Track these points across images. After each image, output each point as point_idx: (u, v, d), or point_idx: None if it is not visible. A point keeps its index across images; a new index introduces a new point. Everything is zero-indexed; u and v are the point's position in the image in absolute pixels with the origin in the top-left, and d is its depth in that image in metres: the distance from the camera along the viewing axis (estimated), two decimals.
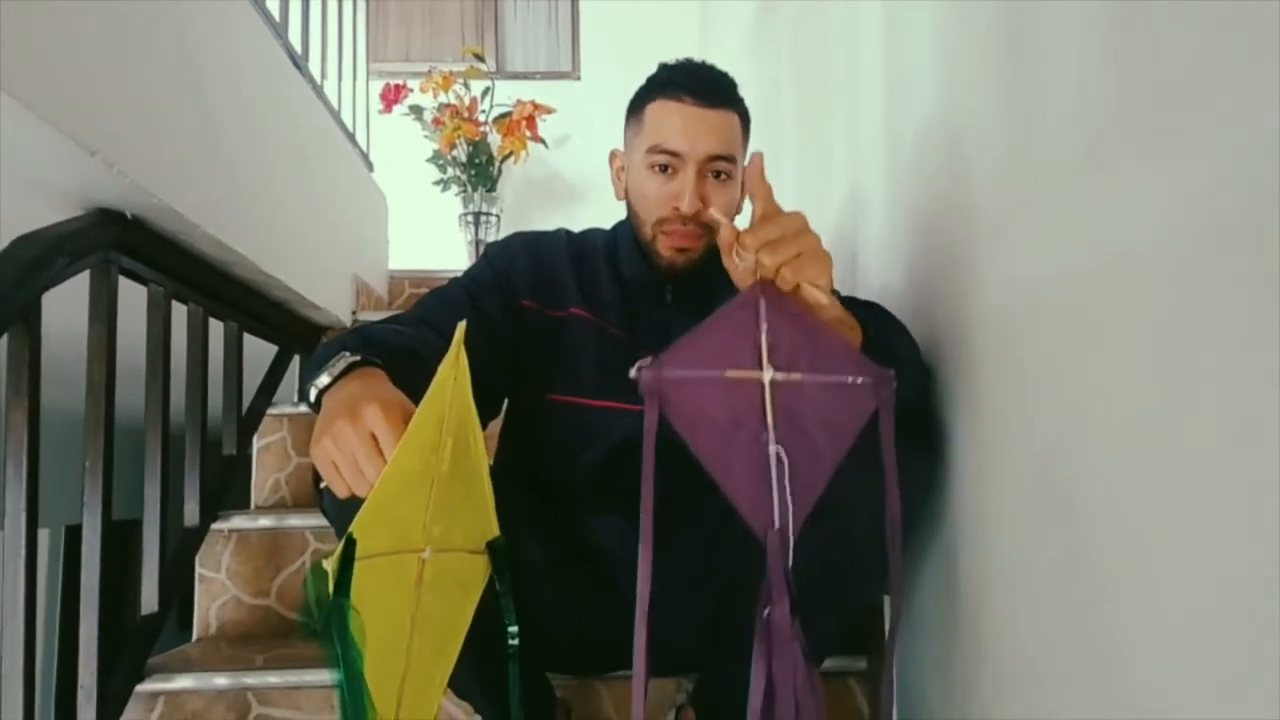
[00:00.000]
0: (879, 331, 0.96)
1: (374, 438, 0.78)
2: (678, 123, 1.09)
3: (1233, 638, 0.54)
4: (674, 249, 1.13)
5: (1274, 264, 0.50)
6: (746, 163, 1.17)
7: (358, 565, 0.74)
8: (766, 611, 0.78)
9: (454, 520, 0.83)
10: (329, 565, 0.74)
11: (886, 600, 1.24)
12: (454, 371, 0.79)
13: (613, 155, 1.21)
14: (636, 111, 1.15)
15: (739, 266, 0.87)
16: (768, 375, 0.79)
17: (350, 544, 0.74)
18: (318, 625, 0.73)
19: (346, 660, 0.73)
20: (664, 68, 1.15)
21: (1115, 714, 0.67)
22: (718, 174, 1.10)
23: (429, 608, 0.83)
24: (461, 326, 0.82)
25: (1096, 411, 0.70)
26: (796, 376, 0.80)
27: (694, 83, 1.10)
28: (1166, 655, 0.61)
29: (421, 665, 0.83)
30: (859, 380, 0.81)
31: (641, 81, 1.16)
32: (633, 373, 0.78)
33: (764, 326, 0.80)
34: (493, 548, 0.88)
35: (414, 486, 0.79)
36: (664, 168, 1.10)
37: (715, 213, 0.91)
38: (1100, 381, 0.69)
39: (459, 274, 1.20)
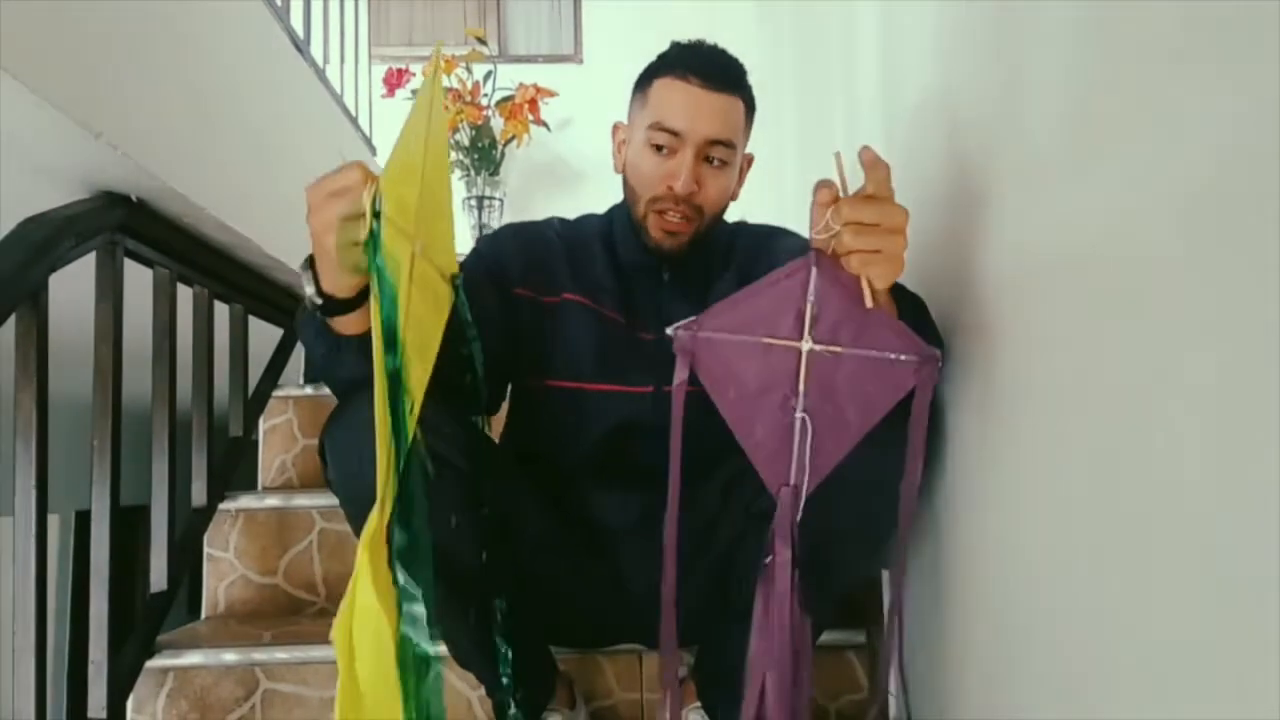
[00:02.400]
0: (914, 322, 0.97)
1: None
2: (681, 102, 1.09)
3: (1232, 627, 0.55)
4: (664, 231, 1.13)
5: (1266, 228, 0.51)
6: (748, 150, 1.18)
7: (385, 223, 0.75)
8: (769, 559, 0.80)
9: (432, 236, 0.84)
10: (366, 198, 0.75)
11: (886, 575, 1.25)
12: (431, 93, 0.81)
13: (615, 127, 1.21)
14: (643, 87, 1.15)
15: (816, 236, 0.83)
16: (806, 345, 0.81)
17: (378, 199, 0.75)
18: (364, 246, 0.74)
19: (383, 285, 0.74)
20: (675, 46, 1.14)
21: (1102, 698, 0.69)
22: (715, 160, 1.10)
23: (415, 308, 0.83)
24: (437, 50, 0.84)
25: (1094, 382, 0.71)
26: (837, 349, 0.81)
27: (702, 65, 1.10)
28: (1161, 640, 0.62)
29: (407, 365, 0.83)
30: (902, 357, 0.82)
31: (646, 62, 1.16)
32: (669, 330, 0.81)
33: (811, 298, 0.81)
34: (455, 284, 0.89)
35: (408, 179, 0.80)
36: (661, 147, 1.10)
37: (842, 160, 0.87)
38: (1098, 353, 0.70)
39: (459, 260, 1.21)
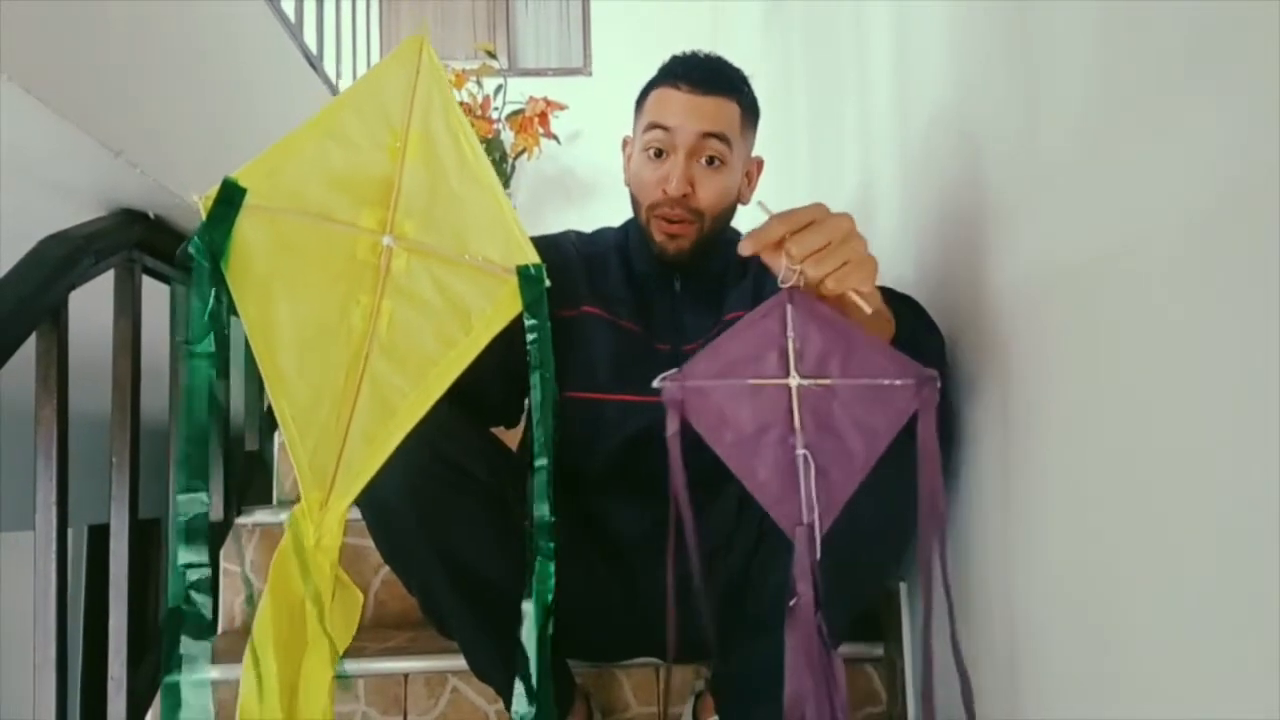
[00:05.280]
0: (912, 331, 0.96)
1: None
2: (672, 105, 1.11)
3: (1249, 630, 0.55)
4: (665, 235, 1.15)
5: (1274, 239, 0.51)
6: (751, 154, 1.19)
7: (254, 214, 0.73)
8: (793, 602, 0.80)
9: (444, 225, 0.80)
10: (199, 200, 0.72)
11: (903, 587, 1.25)
12: (412, 62, 0.80)
13: (625, 141, 1.23)
14: (641, 101, 1.18)
15: (779, 276, 0.84)
16: (794, 382, 0.80)
17: (232, 188, 0.73)
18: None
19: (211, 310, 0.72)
20: (670, 58, 1.17)
21: (1124, 703, 0.68)
22: (711, 160, 1.12)
23: (400, 317, 0.78)
24: (424, 28, 0.84)
25: (1109, 391, 0.71)
26: (826, 381, 0.81)
27: (692, 71, 1.13)
28: (1181, 648, 0.62)
29: (379, 391, 0.78)
30: (896, 382, 0.81)
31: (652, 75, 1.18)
32: (655, 383, 0.80)
33: (791, 334, 0.81)
34: (526, 276, 0.81)
35: (350, 157, 0.77)
36: (658, 152, 1.12)
37: (764, 204, 0.87)
38: (1112, 362, 0.70)
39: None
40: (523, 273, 0.81)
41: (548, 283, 0.81)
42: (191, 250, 0.73)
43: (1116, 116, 0.68)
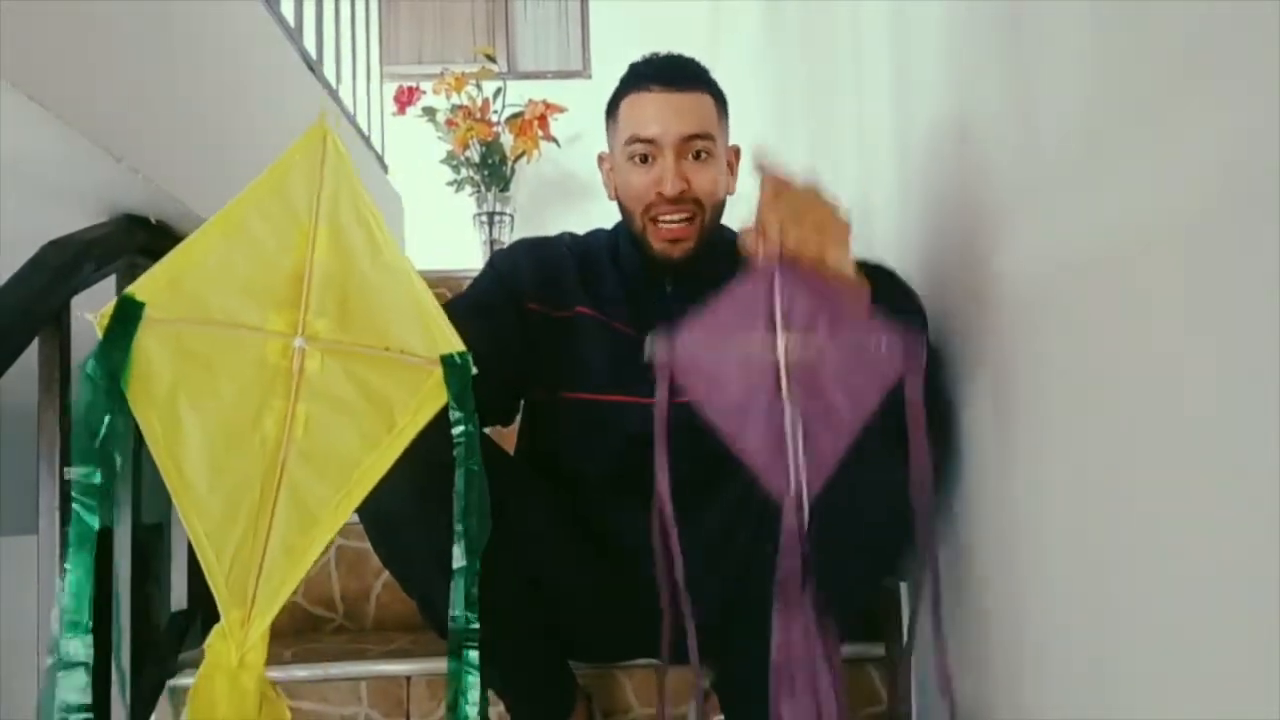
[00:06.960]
0: (887, 303, 0.96)
1: None
2: (649, 110, 1.12)
3: (1246, 625, 0.55)
4: (665, 241, 1.15)
5: (1271, 240, 0.51)
6: (730, 143, 1.20)
7: (155, 328, 0.70)
8: (780, 576, 0.80)
9: (361, 319, 0.76)
10: (95, 318, 0.68)
11: (903, 586, 1.25)
12: (317, 152, 0.76)
13: (600, 159, 1.24)
14: (612, 112, 1.18)
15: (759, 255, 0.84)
16: (782, 344, 0.81)
17: (129, 303, 0.69)
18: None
19: (102, 431, 0.68)
20: (631, 65, 1.18)
21: (1125, 704, 0.69)
22: (697, 154, 1.13)
23: (318, 420, 0.75)
24: (322, 117, 0.79)
25: (1105, 385, 0.71)
26: (814, 344, 0.81)
27: (659, 71, 1.14)
28: (1180, 648, 0.62)
29: (299, 499, 0.75)
30: (882, 344, 0.81)
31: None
32: (646, 348, 0.80)
33: (778, 297, 0.81)
34: (451, 364, 0.75)
35: (255, 258, 0.75)
36: (644, 157, 1.13)
37: (766, 164, 0.86)
38: (1111, 363, 0.70)
39: (468, 280, 1.23)
40: (447, 361, 0.75)
41: (474, 370, 0.76)
42: (88, 372, 0.69)
43: (1114, 116, 0.68)
